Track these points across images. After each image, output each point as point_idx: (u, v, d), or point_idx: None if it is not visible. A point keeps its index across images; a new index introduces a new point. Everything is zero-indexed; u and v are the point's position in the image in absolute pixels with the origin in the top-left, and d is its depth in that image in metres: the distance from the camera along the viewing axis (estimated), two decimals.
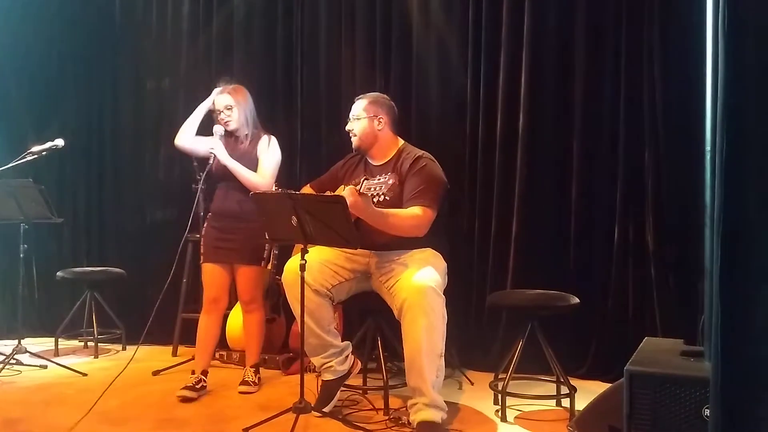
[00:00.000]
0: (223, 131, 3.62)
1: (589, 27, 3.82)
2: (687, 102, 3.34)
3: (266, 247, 3.68)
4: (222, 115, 3.62)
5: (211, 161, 3.56)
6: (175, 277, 4.35)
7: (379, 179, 2.76)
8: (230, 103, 3.61)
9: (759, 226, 1.35)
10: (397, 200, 3.06)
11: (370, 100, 3.28)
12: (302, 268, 2.89)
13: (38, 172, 4.64)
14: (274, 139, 3.69)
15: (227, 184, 3.62)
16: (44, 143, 3.93)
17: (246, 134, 3.65)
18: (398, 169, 3.15)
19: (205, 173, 3.61)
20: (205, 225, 3.71)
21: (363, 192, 2.74)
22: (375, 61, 4.33)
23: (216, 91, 3.69)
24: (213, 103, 3.66)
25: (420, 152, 3.20)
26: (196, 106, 3.71)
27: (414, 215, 2.98)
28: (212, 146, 3.55)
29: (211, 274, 3.62)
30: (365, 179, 2.80)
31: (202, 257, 3.68)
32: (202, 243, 3.69)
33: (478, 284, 4.06)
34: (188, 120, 3.70)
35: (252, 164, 3.60)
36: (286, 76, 4.62)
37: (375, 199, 2.79)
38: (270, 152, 3.64)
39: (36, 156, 3.91)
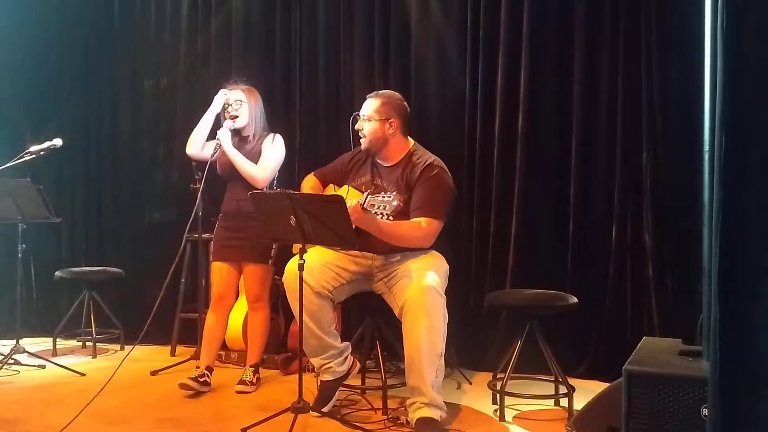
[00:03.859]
0: (233, 126, 3.64)
1: (588, 26, 3.82)
2: (685, 101, 3.35)
3: (274, 246, 3.73)
4: (230, 108, 3.66)
5: (215, 150, 3.57)
6: (174, 277, 4.38)
7: (384, 197, 2.72)
8: (241, 99, 3.68)
9: (758, 226, 1.35)
10: (402, 219, 3.01)
11: (383, 101, 3.18)
12: (301, 267, 2.88)
13: (36, 171, 4.63)
14: (279, 136, 3.74)
15: (235, 183, 3.66)
16: (42, 143, 3.93)
17: (252, 134, 3.70)
18: (407, 174, 3.12)
19: (208, 165, 3.56)
20: (216, 225, 3.77)
21: (366, 208, 2.72)
22: (374, 61, 4.32)
23: (224, 90, 3.72)
24: (225, 96, 3.69)
25: (431, 158, 3.14)
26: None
27: (419, 227, 2.97)
28: (219, 135, 3.58)
29: (219, 273, 3.70)
30: (369, 194, 2.75)
31: (211, 256, 3.77)
32: (212, 242, 3.79)
33: (476, 284, 4.06)
34: (197, 128, 3.71)
35: (254, 161, 3.64)
36: (284, 76, 4.62)
37: (378, 217, 2.77)
38: (273, 148, 3.70)
39: (34, 155, 3.91)
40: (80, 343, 4.73)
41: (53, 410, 3.29)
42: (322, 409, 3.09)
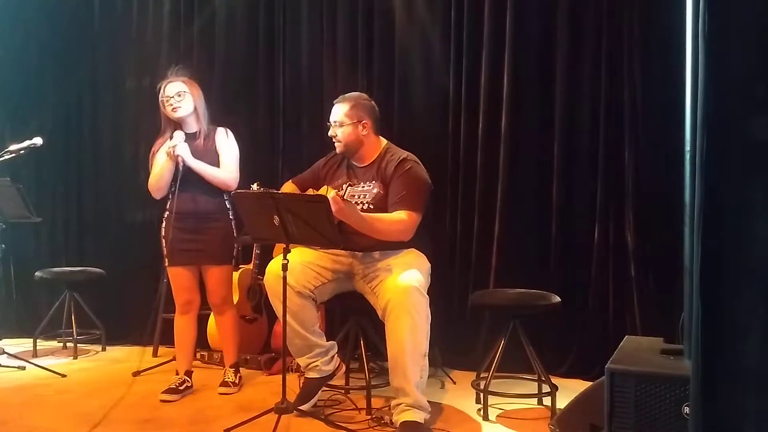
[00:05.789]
0: (184, 136, 3.47)
1: (571, 27, 3.84)
2: (667, 102, 3.36)
3: (236, 246, 3.60)
4: (172, 101, 3.49)
5: (180, 167, 3.41)
6: (154, 278, 4.35)
7: (363, 187, 2.75)
8: (182, 90, 3.50)
9: (738, 226, 1.37)
10: (381, 209, 3.04)
11: (351, 104, 3.19)
12: (284, 267, 2.87)
13: (16, 171, 4.57)
14: (230, 131, 3.62)
15: (190, 184, 3.48)
16: (22, 142, 3.88)
17: (198, 130, 3.54)
18: (382, 171, 3.13)
19: (179, 180, 3.42)
20: (164, 226, 3.56)
21: (346, 199, 2.72)
22: (357, 61, 4.32)
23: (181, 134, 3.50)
24: (162, 92, 3.54)
25: (404, 154, 3.17)
26: None
27: (399, 220, 2.97)
28: (179, 152, 3.40)
29: (181, 278, 3.54)
30: (349, 185, 2.77)
31: (166, 260, 3.55)
32: (165, 246, 3.53)
33: (460, 283, 4.06)
34: (159, 175, 3.51)
35: (213, 159, 3.51)
36: (267, 75, 4.59)
37: (359, 207, 2.78)
38: (229, 144, 3.57)
39: (14, 155, 3.85)
40: (61, 344, 4.68)
41: (33, 412, 3.25)
42: (302, 407, 3.08)
